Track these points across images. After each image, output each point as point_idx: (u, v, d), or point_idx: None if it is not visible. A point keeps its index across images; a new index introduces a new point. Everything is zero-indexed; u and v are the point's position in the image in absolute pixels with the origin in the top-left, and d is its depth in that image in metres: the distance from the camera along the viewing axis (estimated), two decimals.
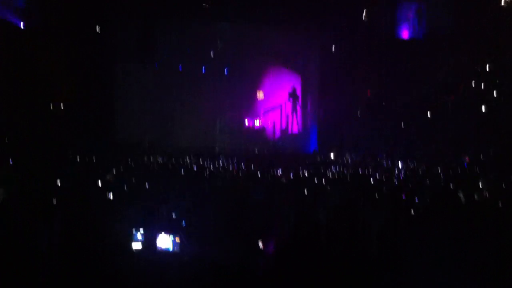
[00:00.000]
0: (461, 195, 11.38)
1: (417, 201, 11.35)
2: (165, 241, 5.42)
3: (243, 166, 21.36)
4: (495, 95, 25.69)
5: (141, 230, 5.68)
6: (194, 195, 10.48)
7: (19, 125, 23.37)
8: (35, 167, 15.29)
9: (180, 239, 5.46)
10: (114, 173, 14.42)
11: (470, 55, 26.74)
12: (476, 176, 17.47)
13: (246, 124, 32.49)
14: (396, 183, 16.02)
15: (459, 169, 20.73)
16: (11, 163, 15.23)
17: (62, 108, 26.38)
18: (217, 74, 31.19)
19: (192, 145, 28.89)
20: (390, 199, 11.63)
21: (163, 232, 5.45)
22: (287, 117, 33.40)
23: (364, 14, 28.57)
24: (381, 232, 7.55)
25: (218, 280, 4.95)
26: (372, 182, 16.00)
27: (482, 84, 26.31)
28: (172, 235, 5.43)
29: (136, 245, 5.54)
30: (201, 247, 5.73)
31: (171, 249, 5.39)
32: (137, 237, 5.62)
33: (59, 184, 10.64)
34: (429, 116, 28.18)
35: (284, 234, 6.99)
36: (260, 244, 6.10)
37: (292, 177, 16.65)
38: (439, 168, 20.51)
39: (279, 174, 18.37)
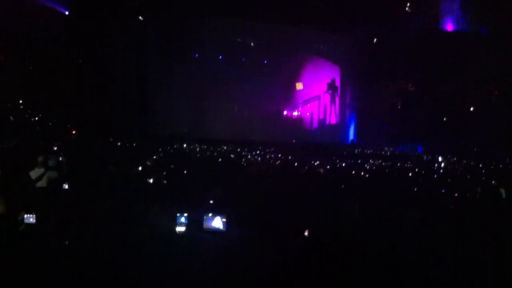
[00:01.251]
0: (502, 190, 11.23)
1: (457, 195, 11.24)
2: (216, 222, 5.59)
3: (280, 156, 21.39)
4: None
5: (185, 214, 5.84)
6: (232, 182, 10.62)
7: (61, 111, 24.04)
8: (78, 151, 15.81)
9: (227, 220, 5.63)
10: (155, 159, 14.69)
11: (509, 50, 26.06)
12: None
13: (284, 114, 32.53)
14: (436, 176, 15.78)
15: (500, 165, 20.34)
16: (55, 148, 15.69)
17: (103, 97, 27.07)
18: (256, 65, 31.32)
19: (229, 135, 29.12)
20: (430, 193, 11.53)
21: (212, 214, 5.63)
22: (325, 108, 33.31)
23: (407, 5, 28.14)
24: (419, 226, 7.49)
25: (258, 260, 5.09)
26: (410, 175, 15.87)
27: None
28: (221, 216, 5.61)
29: (180, 228, 5.72)
30: (243, 229, 5.89)
31: (221, 228, 5.57)
32: (180, 221, 5.79)
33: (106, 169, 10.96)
34: (471, 110, 27.67)
35: (320, 225, 7.00)
36: (296, 234, 6.18)
37: (329, 168, 16.61)
38: (480, 163, 20.18)
39: (316, 164, 18.28)
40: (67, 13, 25.57)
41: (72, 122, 23.98)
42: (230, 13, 27.90)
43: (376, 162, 20.66)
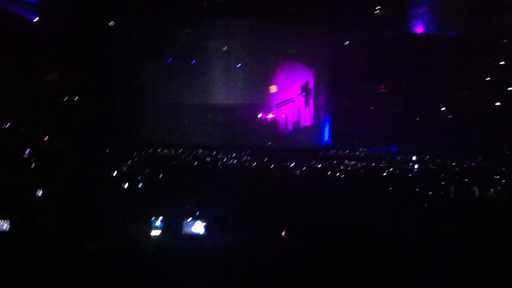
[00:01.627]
0: (475, 189, 11.44)
1: (431, 193, 11.41)
2: (197, 227, 5.56)
3: (256, 159, 21.40)
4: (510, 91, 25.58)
5: (160, 218, 5.80)
6: (208, 186, 10.60)
7: (34, 118, 23.69)
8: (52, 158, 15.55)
9: (208, 225, 5.61)
10: (130, 164, 14.57)
11: (484, 51, 26.58)
12: (491, 171, 17.48)
13: (259, 117, 32.53)
14: (410, 176, 15.99)
15: (473, 163, 20.70)
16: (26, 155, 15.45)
17: (77, 103, 26.73)
18: (230, 69, 31.27)
19: (204, 139, 28.99)
20: (404, 192, 11.69)
21: (192, 219, 5.60)
22: (299, 110, 33.41)
23: (377, 8, 28.47)
24: (394, 225, 7.58)
25: (237, 262, 5.07)
26: (385, 175, 16.05)
27: (497, 80, 26.18)
28: (201, 221, 5.58)
29: (155, 233, 5.68)
30: (222, 233, 5.87)
31: (201, 233, 5.54)
32: (155, 225, 5.74)
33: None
34: (442, 110, 28.07)
35: (297, 226, 7.03)
36: (273, 235, 6.20)
37: (305, 170, 16.70)
38: (453, 162, 20.49)
39: (291, 167, 18.36)
40: (36, 19, 25.17)
41: (44, 127, 23.58)
42: (202, 15, 27.83)
43: (351, 163, 20.82)
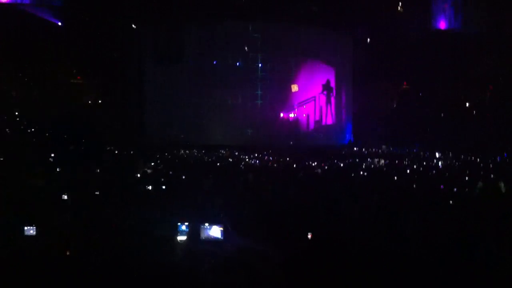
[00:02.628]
0: (502, 185, 11.26)
1: (455, 190, 11.26)
2: (214, 231, 5.59)
3: (278, 159, 21.37)
4: None
5: (186, 223, 5.83)
6: (231, 187, 10.62)
7: (59, 121, 24.04)
8: (74, 160, 15.78)
9: (225, 229, 5.62)
10: (153, 165, 14.69)
11: (508, 48, 26.12)
12: None
13: (281, 117, 32.51)
14: (434, 173, 15.80)
15: (498, 159, 20.38)
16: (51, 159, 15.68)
17: (100, 105, 27.20)
18: (251, 69, 31.36)
19: (226, 139, 29.12)
20: (428, 189, 11.55)
21: (208, 223, 5.62)
22: (321, 109, 33.32)
23: (399, 5, 28.18)
24: (420, 222, 7.49)
25: (257, 266, 5.07)
26: (408, 172, 15.89)
27: None
28: (219, 225, 5.59)
29: (181, 238, 5.71)
30: (242, 236, 5.87)
31: (219, 237, 5.56)
32: (182, 230, 5.78)
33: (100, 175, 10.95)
34: (467, 107, 27.73)
35: (320, 226, 7.00)
36: (296, 235, 6.18)
37: (327, 168, 16.64)
38: (477, 159, 20.20)
39: (313, 166, 18.28)
40: (59, 24, 25.59)
41: (70, 132, 23.93)
42: (225, 17, 27.91)
43: (374, 161, 20.67)
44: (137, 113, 28.26)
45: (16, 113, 23.89)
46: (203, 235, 5.78)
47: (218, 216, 6.25)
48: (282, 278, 4.97)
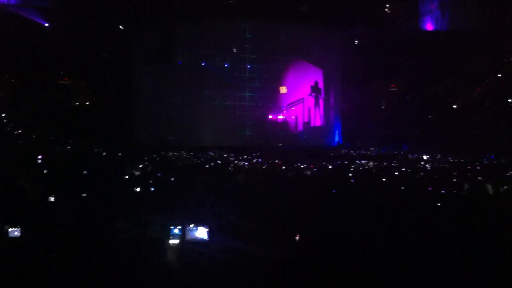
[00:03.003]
0: (489, 186, 11.33)
1: (443, 192, 11.32)
2: (201, 232, 5.55)
3: (267, 160, 21.34)
4: None
5: (179, 226, 5.77)
6: (220, 189, 10.58)
7: (44, 122, 23.91)
8: (63, 163, 15.67)
9: (210, 230, 5.59)
10: (141, 168, 14.61)
11: (495, 48, 26.36)
12: (504, 168, 17.31)
13: (270, 118, 32.51)
14: (422, 174, 15.86)
15: (485, 161, 20.52)
16: (39, 161, 15.55)
17: (87, 107, 27.06)
18: (239, 70, 31.37)
19: (216, 141, 29.08)
20: (416, 191, 11.61)
21: (193, 224, 5.58)
22: (310, 110, 33.36)
23: (387, 6, 28.35)
24: (408, 224, 7.52)
25: (244, 268, 5.05)
26: (397, 174, 15.95)
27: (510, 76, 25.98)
28: (205, 226, 5.56)
29: (174, 241, 5.65)
30: (228, 237, 5.86)
31: (205, 238, 5.52)
32: (174, 232, 5.72)
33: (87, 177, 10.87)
34: (454, 108, 27.91)
35: (309, 228, 6.98)
36: (285, 237, 6.16)
37: (316, 170, 16.64)
38: (465, 160, 20.33)
39: (302, 167, 18.26)
40: (46, 25, 25.44)
41: (57, 133, 23.77)
42: (213, 17, 27.87)
43: (362, 163, 20.72)
44: (125, 114, 28.11)
45: (3, 115, 23.66)
46: (189, 236, 5.74)
47: (205, 218, 6.20)
48: (269, 278, 4.95)
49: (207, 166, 18.29)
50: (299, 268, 5.20)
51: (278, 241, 6.10)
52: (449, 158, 21.72)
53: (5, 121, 23.28)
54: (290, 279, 4.98)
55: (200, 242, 5.64)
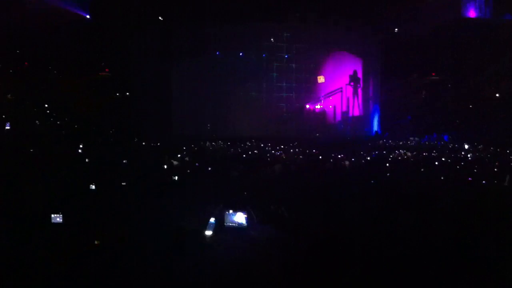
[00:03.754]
0: None
1: (484, 183, 11.07)
2: (239, 217, 5.61)
3: (304, 151, 21.29)
4: None
5: (213, 219, 5.83)
6: (257, 178, 10.64)
7: (87, 114, 24.47)
8: (105, 153, 16.03)
9: (249, 216, 5.64)
10: (180, 157, 14.80)
11: None
12: None
13: (307, 108, 32.41)
14: (462, 164, 15.54)
15: None
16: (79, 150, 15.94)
17: (127, 98, 27.57)
18: (277, 60, 31.35)
19: (253, 131, 29.15)
20: (457, 181, 11.39)
21: (233, 210, 5.64)
22: (348, 100, 33.10)
23: None
24: (449, 214, 7.39)
25: (279, 253, 5.08)
26: (437, 164, 15.68)
27: None
28: (243, 212, 5.61)
29: (208, 232, 5.71)
30: (265, 224, 5.89)
31: (244, 223, 5.58)
32: (210, 223, 5.78)
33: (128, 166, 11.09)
34: (496, 97, 27.20)
35: (347, 218, 6.95)
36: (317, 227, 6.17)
37: (354, 160, 16.51)
38: (508, 151, 19.81)
39: (340, 157, 18.13)
40: (88, 16, 25.91)
41: (97, 125, 24.32)
42: (252, 12, 27.79)
43: (401, 153, 20.45)
44: (165, 106, 28.48)
45: (46, 106, 24.32)
46: (228, 221, 5.80)
47: (243, 204, 6.25)
48: (303, 266, 4.96)
49: (244, 156, 18.38)
50: (332, 258, 5.20)
51: (309, 230, 6.10)
52: (491, 149, 21.20)
53: (48, 112, 23.93)
54: (320, 267, 4.98)
55: (238, 227, 5.69)
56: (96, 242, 5.70)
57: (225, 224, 5.78)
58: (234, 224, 5.80)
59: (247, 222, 5.73)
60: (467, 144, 22.78)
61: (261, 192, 8.21)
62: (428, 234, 6.19)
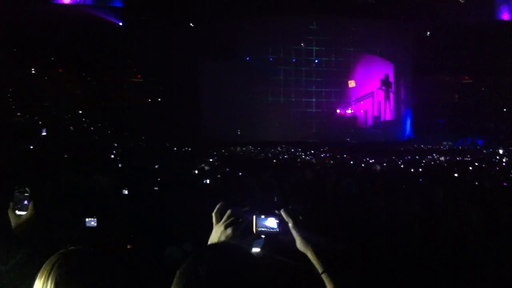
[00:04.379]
0: None
1: None
2: (270, 222, 5.58)
3: (335, 156, 21.19)
4: None
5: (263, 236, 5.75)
6: (288, 182, 10.60)
7: (119, 119, 24.87)
8: (135, 157, 16.25)
9: (281, 221, 5.61)
10: (210, 162, 14.89)
11: None
12: None
13: (338, 113, 32.28)
14: (497, 169, 15.22)
15: None
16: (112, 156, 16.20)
17: (158, 103, 27.91)
18: (308, 65, 31.33)
19: (283, 136, 29.16)
20: (491, 187, 11.14)
21: (264, 215, 5.61)
22: (379, 104, 32.82)
23: None
24: (482, 223, 7.23)
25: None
26: (471, 169, 15.39)
27: None
28: (275, 217, 5.57)
29: (256, 249, 5.59)
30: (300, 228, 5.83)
31: (275, 228, 5.54)
32: (259, 242, 5.69)
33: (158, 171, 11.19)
34: None
35: (377, 227, 6.86)
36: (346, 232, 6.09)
37: (386, 166, 16.34)
38: None
39: (372, 162, 17.96)
40: (120, 24, 26.36)
41: (129, 130, 24.69)
42: (280, 12, 27.81)
43: (434, 157, 20.18)
44: (194, 111, 28.70)
45: (80, 112, 24.83)
46: (259, 225, 5.76)
47: (275, 209, 6.21)
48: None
49: (274, 160, 18.38)
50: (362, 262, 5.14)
51: (339, 235, 6.04)
52: None
53: (82, 118, 24.44)
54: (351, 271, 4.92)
55: (270, 232, 5.66)
56: (128, 246, 5.75)
57: (255, 229, 5.76)
58: (265, 229, 5.76)
59: (278, 227, 5.70)
60: (502, 148, 22.34)
61: (291, 197, 8.18)
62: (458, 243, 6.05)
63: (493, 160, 18.62)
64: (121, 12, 26.26)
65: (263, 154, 22.14)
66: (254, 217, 5.55)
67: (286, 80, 31.01)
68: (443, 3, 27.12)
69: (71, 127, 22.27)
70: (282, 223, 5.20)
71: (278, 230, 5.59)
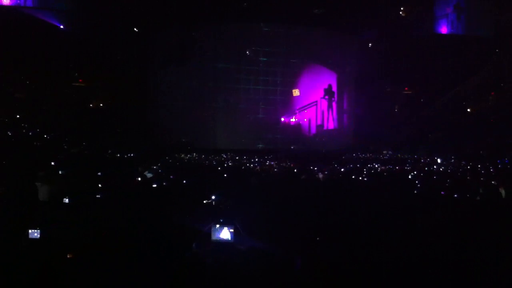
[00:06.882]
0: (502, 191, 11.24)
1: (456, 196, 11.26)
2: (225, 233, 5.57)
3: (279, 163, 21.38)
4: None
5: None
6: (233, 191, 10.63)
7: (60, 124, 24.17)
8: (77, 165, 15.83)
9: (235, 230, 5.60)
10: (154, 169, 14.71)
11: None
12: None
13: (282, 121, 32.57)
14: (435, 178, 15.79)
15: (499, 165, 20.36)
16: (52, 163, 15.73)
17: (102, 109, 27.32)
18: (252, 72, 31.47)
19: (229, 143, 29.16)
20: (429, 195, 11.55)
21: (219, 225, 5.59)
22: (323, 113, 33.37)
23: (402, 9, 28.26)
24: (419, 228, 7.51)
25: (268, 269, 5.07)
26: (410, 178, 15.89)
27: None
28: (229, 227, 5.57)
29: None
30: (251, 238, 5.86)
31: (230, 239, 5.53)
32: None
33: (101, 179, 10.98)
34: (468, 111, 27.75)
35: (321, 231, 7.01)
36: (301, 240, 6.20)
37: (328, 173, 16.62)
38: (479, 165, 20.19)
39: (315, 170, 18.25)
40: (62, 27, 25.70)
41: (71, 135, 24.01)
42: (228, 20, 27.91)
43: (375, 166, 20.68)
44: (141, 117, 28.30)
45: (18, 116, 23.97)
46: (214, 236, 5.74)
47: (228, 218, 6.21)
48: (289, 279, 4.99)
49: (219, 168, 18.36)
50: (315, 268, 5.24)
51: (293, 241, 6.14)
52: (463, 163, 21.59)
53: (20, 122, 23.57)
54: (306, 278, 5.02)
55: (225, 242, 5.65)
56: (68, 256, 5.63)
57: (212, 239, 5.73)
58: (220, 240, 5.76)
59: (232, 237, 5.69)
60: (440, 158, 23.19)
61: (241, 206, 8.22)
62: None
63: (431, 169, 19.27)
64: (65, 15, 25.59)
65: (207, 162, 22.07)
66: (212, 227, 5.40)
67: (233, 88, 31.04)
68: (387, 16, 28.00)
69: (9, 132, 21.46)
70: (237, 232, 5.15)
71: (232, 240, 5.55)
